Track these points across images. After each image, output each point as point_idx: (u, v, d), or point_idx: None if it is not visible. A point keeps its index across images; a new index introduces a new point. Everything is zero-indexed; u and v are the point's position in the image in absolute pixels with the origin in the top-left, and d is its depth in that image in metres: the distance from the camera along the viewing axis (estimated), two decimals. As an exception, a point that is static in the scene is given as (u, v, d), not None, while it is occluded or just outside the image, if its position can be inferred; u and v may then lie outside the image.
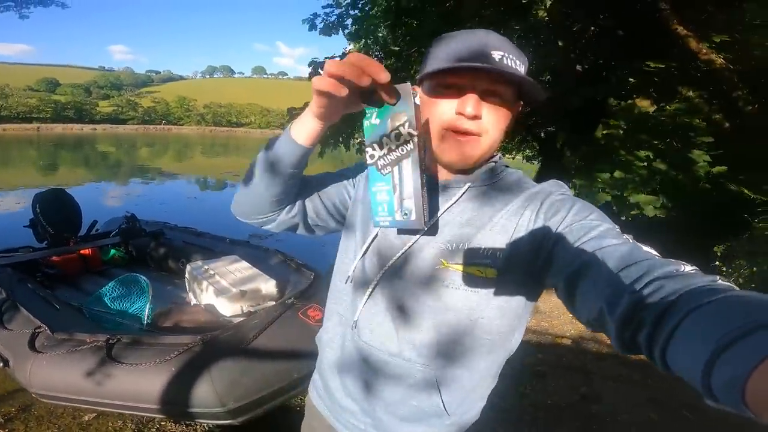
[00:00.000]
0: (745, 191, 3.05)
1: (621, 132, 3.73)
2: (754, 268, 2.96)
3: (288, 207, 0.77)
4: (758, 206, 2.96)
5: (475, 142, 0.63)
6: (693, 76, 4.51)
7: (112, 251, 3.40)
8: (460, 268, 0.63)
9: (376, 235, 0.71)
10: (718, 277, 0.40)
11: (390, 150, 0.54)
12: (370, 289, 0.70)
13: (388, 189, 0.55)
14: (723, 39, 4.05)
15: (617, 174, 3.50)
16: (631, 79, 4.42)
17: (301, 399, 2.17)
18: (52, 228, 3.15)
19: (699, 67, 4.35)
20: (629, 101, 3.92)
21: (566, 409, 2.31)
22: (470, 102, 0.59)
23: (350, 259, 0.75)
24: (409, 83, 0.54)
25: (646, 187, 3.42)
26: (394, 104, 0.53)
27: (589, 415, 2.26)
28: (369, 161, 0.54)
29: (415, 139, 0.54)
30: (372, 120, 0.55)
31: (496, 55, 0.59)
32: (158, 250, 3.40)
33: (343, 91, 0.51)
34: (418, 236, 0.66)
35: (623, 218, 3.28)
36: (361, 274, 0.72)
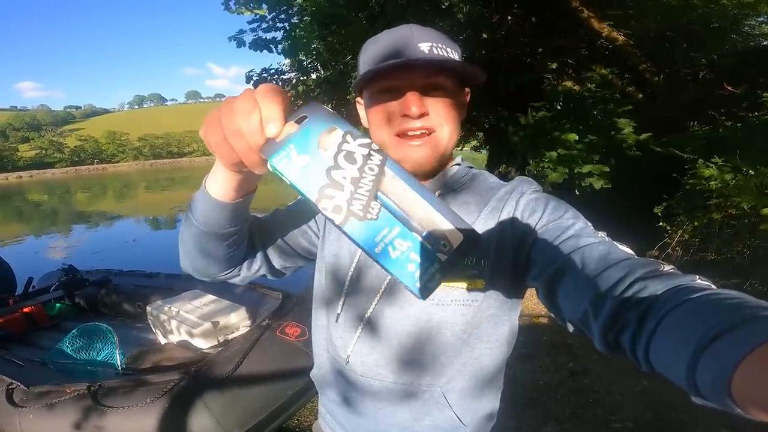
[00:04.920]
0: (674, 151, 3.35)
1: (548, 113, 3.97)
2: (695, 222, 3.23)
3: (248, 262, 0.68)
4: (684, 164, 3.24)
5: (431, 141, 0.59)
6: (602, 54, 4.94)
7: (57, 305, 3.27)
8: (449, 283, 0.59)
9: (358, 269, 0.65)
10: (697, 276, 0.39)
11: (355, 182, 0.34)
12: (361, 323, 0.65)
13: (399, 232, 0.34)
14: (618, 14, 4.45)
15: (560, 151, 3.70)
16: (550, 63, 4.73)
17: (298, 419, 2.14)
18: (-14, 291, 2.95)
19: (605, 45, 4.76)
20: (554, 83, 4.20)
21: (558, 386, 2.32)
22: (413, 100, 0.55)
23: (335, 295, 0.69)
24: (312, 102, 0.38)
25: (586, 161, 3.66)
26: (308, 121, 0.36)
27: (582, 389, 2.28)
28: (338, 219, 0.34)
29: (374, 146, 0.36)
30: (294, 160, 0.35)
31: (424, 46, 0.56)
32: (110, 297, 3.28)
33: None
34: None
35: (577, 193, 3.48)
36: (350, 309, 0.67)
